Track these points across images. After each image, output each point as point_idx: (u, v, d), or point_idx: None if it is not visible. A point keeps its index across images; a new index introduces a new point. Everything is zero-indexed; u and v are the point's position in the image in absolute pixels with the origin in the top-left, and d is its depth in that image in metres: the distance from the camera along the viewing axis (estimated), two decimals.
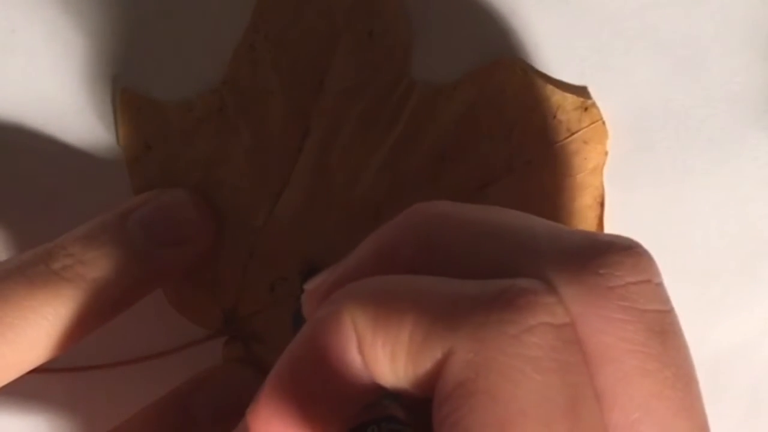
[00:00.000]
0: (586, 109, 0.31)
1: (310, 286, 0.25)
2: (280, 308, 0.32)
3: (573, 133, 0.31)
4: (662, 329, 0.21)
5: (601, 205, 0.31)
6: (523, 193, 0.31)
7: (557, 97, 0.31)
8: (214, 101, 0.32)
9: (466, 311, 0.20)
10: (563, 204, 0.31)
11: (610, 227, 0.32)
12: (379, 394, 0.22)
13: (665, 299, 0.22)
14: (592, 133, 0.31)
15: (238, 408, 0.31)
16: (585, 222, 0.32)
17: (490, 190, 0.31)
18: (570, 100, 0.31)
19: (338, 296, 0.22)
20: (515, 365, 0.19)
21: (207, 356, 0.33)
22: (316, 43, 0.32)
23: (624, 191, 0.32)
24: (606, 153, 0.31)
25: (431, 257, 0.23)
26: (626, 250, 0.21)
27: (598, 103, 0.31)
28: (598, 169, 0.31)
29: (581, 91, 0.32)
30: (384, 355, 0.21)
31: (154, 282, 0.31)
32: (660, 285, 0.22)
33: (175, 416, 0.31)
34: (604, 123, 0.31)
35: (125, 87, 0.33)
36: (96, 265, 0.29)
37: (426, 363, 0.20)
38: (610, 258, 0.21)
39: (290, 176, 0.32)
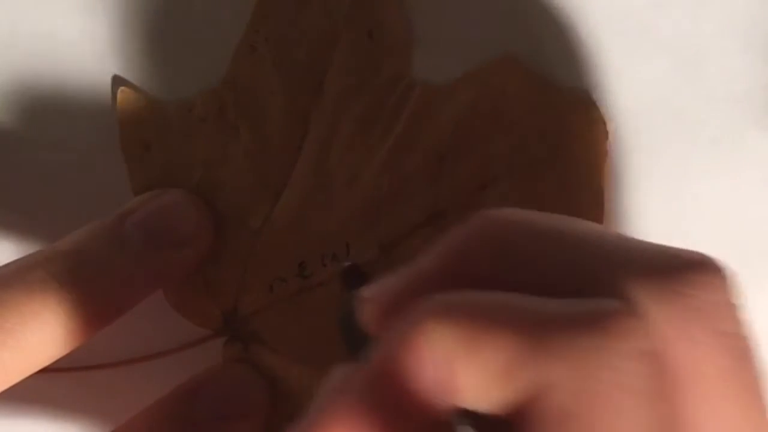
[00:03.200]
0: (587, 108, 0.31)
1: (368, 293, 0.24)
2: (280, 308, 0.32)
3: (573, 133, 0.31)
4: (743, 353, 0.21)
5: (602, 204, 0.31)
6: (523, 194, 0.31)
7: (557, 96, 0.31)
8: (214, 101, 0.32)
9: (562, 335, 0.19)
10: (564, 204, 0.31)
11: (609, 226, 0.32)
12: (452, 412, 0.21)
13: (743, 320, 0.21)
14: (593, 133, 0.31)
15: (238, 408, 0.31)
16: None
17: (490, 190, 0.31)
18: (570, 99, 0.31)
19: (421, 311, 0.21)
20: (613, 395, 0.19)
21: (207, 357, 0.33)
22: (316, 43, 0.32)
23: (624, 191, 0.32)
24: (606, 153, 0.31)
25: (504, 266, 0.22)
26: (705, 267, 0.21)
27: (599, 103, 0.31)
28: (599, 169, 0.31)
29: (582, 91, 0.32)
30: (471, 376, 0.20)
31: (154, 284, 0.31)
32: (737, 305, 0.21)
33: (175, 417, 0.31)
34: (604, 123, 0.31)
35: (125, 87, 0.33)
36: (95, 269, 0.29)
37: (519, 387, 0.19)
38: (694, 277, 0.21)
39: (290, 176, 0.32)
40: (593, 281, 0.21)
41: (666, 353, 0.20)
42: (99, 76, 0.33)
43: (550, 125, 0.31)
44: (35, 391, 0.32)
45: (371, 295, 0.24)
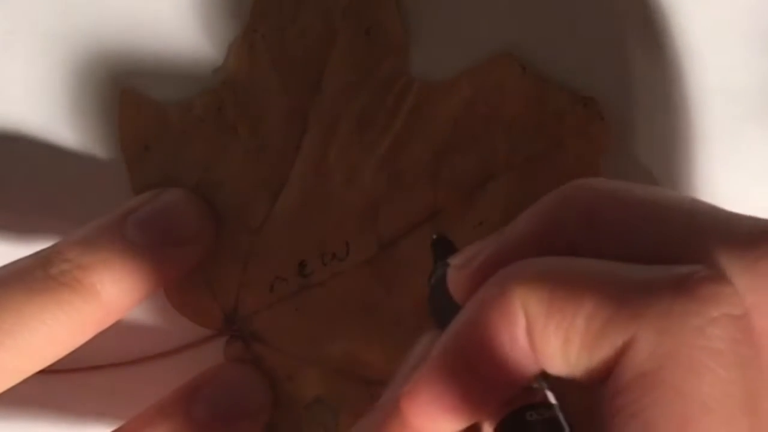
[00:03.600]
0: (584, 104, 0.31)
1: (457, 261, 0.24)
2: (280, 308, 0.32)
3: (572, 129, 0.31)
4: None
5: None
6: (522, 190, 0.31)
7: (555, 93, 0.31)
8: (213, 101, 0.32)
9: (649, 299, 0.19)
10: None
11: None
12: (534, 377, 0.21)
13: None
14: (591, 129, 0.31)
15: (240, 408, 0.31)
16: None
17: (489, 186, 0.31)
18: (568, 96, 0.31)
19: (505, 276, 0.21)
20: (700, 359, 0.19)
21: (208, 356, 0.33)
22: (314, 42, 0.32)
23: None
24: (604, 149, 0.31)
25: (594, 235, 0.22)
26: None
27: (596, 100, 0.31)
28: (596, 165, 0.31)
29: (579, 87, 0.32)
30: (556, 341, 0.20)
31: (155, 284, 0.31)
32: None
33: (177, 417, 0.31)
34: (602, 118, 0.31)
35: (125, 87, 0.33)
36: (94, 270, 0.29)
37: (603, 351, 0.20)
38: None
39: (289, 175, 0.32)
40: (682, 250, 0.21)
41: (753, 321, 0.20)
42: (98, 76, 0.33)
43: (547, 122, 0.31)
44: (36, 392, 0.32)
45: (460, 263, 0.24)
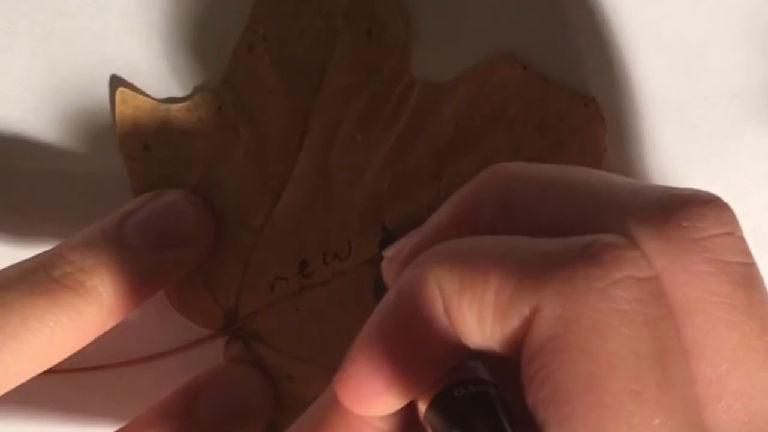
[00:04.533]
0: (585, 104, 0.31)
1: (389, 252, 0.25)
2: (281, 308, 0.32)
3: (573, 129, 0.31)
4: (747, 281, 0.21)
5: None
6: None
7: (557, 93, 0.31)
8: (214, 101, 0.32)
9: (552, 267, 0.20)
10: None
11: None
12: (463, 355, 0.22)
13: (748, 252, 0.21)
14: (592, 129, 0.31)
15: (242, 408, 0.31)
16: None
17: None
18: (569, 96, 0.31)
19: (422, 259, 0.22)
20: (603, 319, 0.19)
21: (208, 356, 0.33)
22: (315, 42, 0.32)
23: None
24: (605, 148, 0.31)
25: (510, 217, 0.23)
26: (708, 203, 0.21)
27: (597, 99, 0.31)
28: (597, 164, 0.31)
29: (580, 87, 0.32)
30: (470, 315, 0.21)
31: (156, 285, 0.31)
32: (742, 238, 0.21)
33: (179, 418, 0.31)
34: (603, 118, 0.31)
35: (123, 87, 0.33)
36: (95, 273, 0.29)
37: (513, 321, 0.20)
38: (692, 210, 0.21)
39: (290, 175, 0.32)
40: (594, 222, 0.21)
41: (664, 283, 0.20)
42: (98, 76, 0.33)
43: (549, 122, 0.31)
44: (37, 392, 0.32)
45: (391, 254, 0.25)
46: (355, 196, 0.32)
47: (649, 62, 0.32)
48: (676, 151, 0.32)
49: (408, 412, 0.22)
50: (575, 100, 0.31)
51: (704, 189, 0.22)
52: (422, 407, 0.22)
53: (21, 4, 0.33)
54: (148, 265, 0.30)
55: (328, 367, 0.32)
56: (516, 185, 0.23)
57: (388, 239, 0.29)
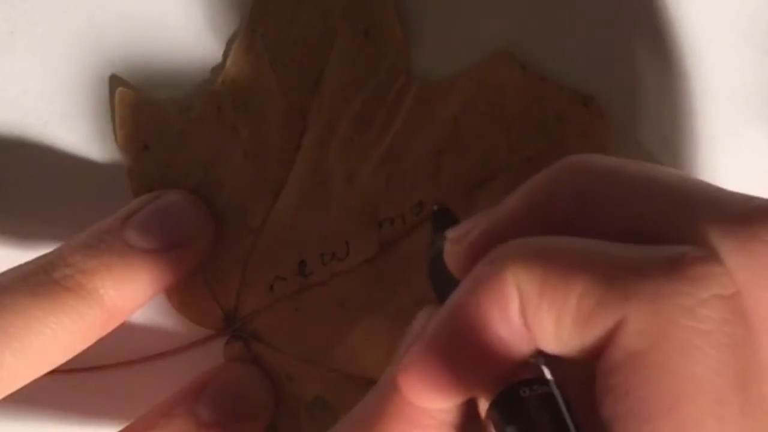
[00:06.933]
0: (585, 104, 0.31)
1: (453, 234, 0.24)
2: (280, 308, 0.32)
3: (572, 128, 0.31)
4: None
5: None
6: None
7: (556, 92, 0.31)
8: (213, 101, 0.32)
9: (639, 280, 0.19)
10: None
11: None
12: (529, 354, 0.21)
13: None
14: (592, 128, 0.31)
15: (243, 408, 0.31)
16: None
17: (489, 185, 0.31)
18: (568, 95, 0.31)
19: (500, 254, 0.21)
20: (690, 339, 0.19)
21: (208, 356, 0.33)
22: (313, 42, 0.32)
23: None
24: (605, 148, 0.31)
25: (587, 214, 0.22)
26: None
27: (597, 99, 0.31)
28: None
29: (580, 87, 0.31)
30: (549, 320, 0.20)
31: (156, 287, 0.31)
32: None
33: (182, 418, 0.31)
34: (603, 117, 0.31)
35: (123, 87, 0.33)
36: (96, 275, 0.29)
37: (595, 330, 0.20)
38: None
39: (288, 175, 0.32)
40: (673, 228, 0.21)
41: (744, 299, 0.20)
42: (98, 76, 0.33)
43: (548, 121, 0.31)
44: (38, 392, 0.32)
45: (456, 236, 0.24)
46: (352, 196, 0.32)
47: (649, 62, 0.32)
48: (676, 150, 0.32)
49: (468, 405, 0.22)
50: (575, 99, 0.31)
51: None
52: (484, 404, 0.22)
53: (21, 4, 0.33)
54: (148, 266, 0.30)
55: (327, 367, 0.32)
56: (595, 181, 0.22)
57: (442, 214, 0.28)
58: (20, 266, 0.30)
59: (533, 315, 0.20)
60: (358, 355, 0.32)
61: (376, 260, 0.32)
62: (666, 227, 0.21)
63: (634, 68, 0.32)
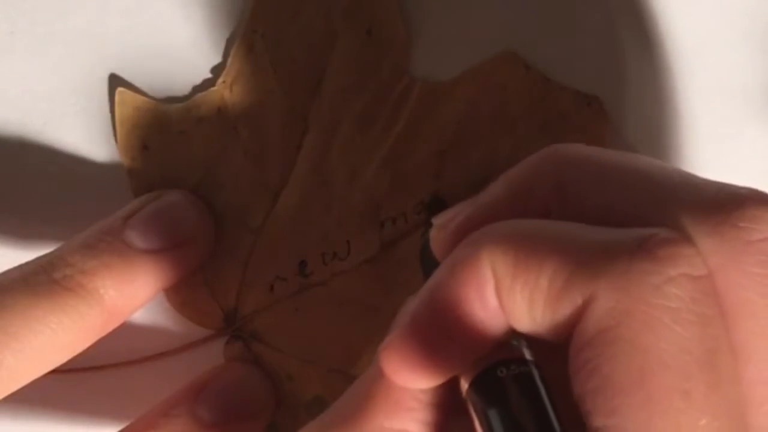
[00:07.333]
0: (588, 104, 0.31)
1: (439, 220, 0.25)
2: (280, 308, 0.32)
3: (575, 128, 0.31)
4: None
5: None
6: None
7: (559, 92, 0.31)
8: (213, 101, 0.32)
9: (608, 259, 0.20)
10: None
11: None
12: (507, 335, 0.22)
13: None
14: (594, 127, 0.31)
15: (243, 408, 0.31)
16: None
17: None
18: (572, 95, 0.31)
19: (476, 238, 0.22)
20: (657, 316, 0.19)
21: (208, 356, 0.33)
22: (314, 42, 0.32)
23: None
24: (607, 147, 0.31)
25: (564, 199, 0.23)
26: (765, 204, 0.21)
27: (599, 99, 0.31)
28: None
29: (582, 86, 0.32)
30: (522, 300, 0.21)
31: (156, 287, 0.31)
32: None
33: (182, 418, 0.31)
34: (606, 117, 0.31)
35: (123, 88, 0.33)
36: (97, 275, 0.29)
37: (565, 309, 0.20)
38: (749, 211, 0.21)
39: (289, 175, 0.32)
40: (649, 214, 0.21)
41: (717, 283, 0.20)
42: (98, 76, 0.33)
43: (551, 121, 0.31)
44: (38, 392, 0.32)
45: (442, 222, 0.25)
46: (354, 196, 0.32)
47: (650, 62, 0.32)
48: (677, 150, 0.32)
49: (452, 386, 0.22)
50: (578, 99, 0.31)
51: None
52: (464, 384, 0.22)
53: (21, 4, 0.33)
54: (148, 266, 0.30)
55: (328, 367, 0.32)
56: (572, 168, 0.23)
57: (436, 204, 0.29)
58: (20, 266, 0.30)
59: (507, 295, 0.21)
60: (358, 355, 0.32)
61: (377, 260, 0.32)
62: (642, 213, 0.21)
63: (635, 69, 0.32)
